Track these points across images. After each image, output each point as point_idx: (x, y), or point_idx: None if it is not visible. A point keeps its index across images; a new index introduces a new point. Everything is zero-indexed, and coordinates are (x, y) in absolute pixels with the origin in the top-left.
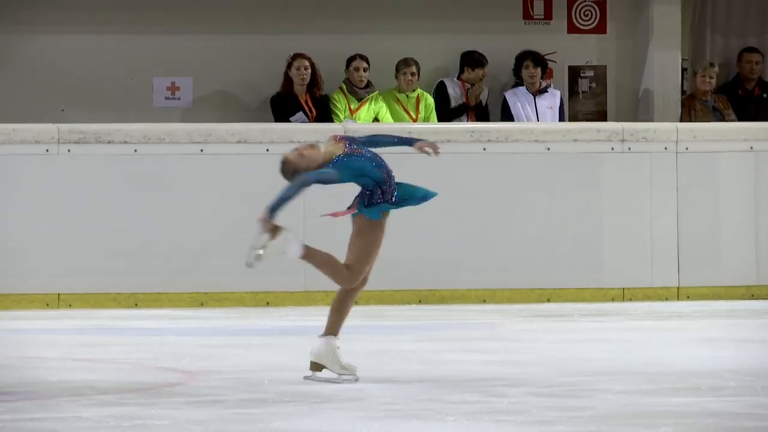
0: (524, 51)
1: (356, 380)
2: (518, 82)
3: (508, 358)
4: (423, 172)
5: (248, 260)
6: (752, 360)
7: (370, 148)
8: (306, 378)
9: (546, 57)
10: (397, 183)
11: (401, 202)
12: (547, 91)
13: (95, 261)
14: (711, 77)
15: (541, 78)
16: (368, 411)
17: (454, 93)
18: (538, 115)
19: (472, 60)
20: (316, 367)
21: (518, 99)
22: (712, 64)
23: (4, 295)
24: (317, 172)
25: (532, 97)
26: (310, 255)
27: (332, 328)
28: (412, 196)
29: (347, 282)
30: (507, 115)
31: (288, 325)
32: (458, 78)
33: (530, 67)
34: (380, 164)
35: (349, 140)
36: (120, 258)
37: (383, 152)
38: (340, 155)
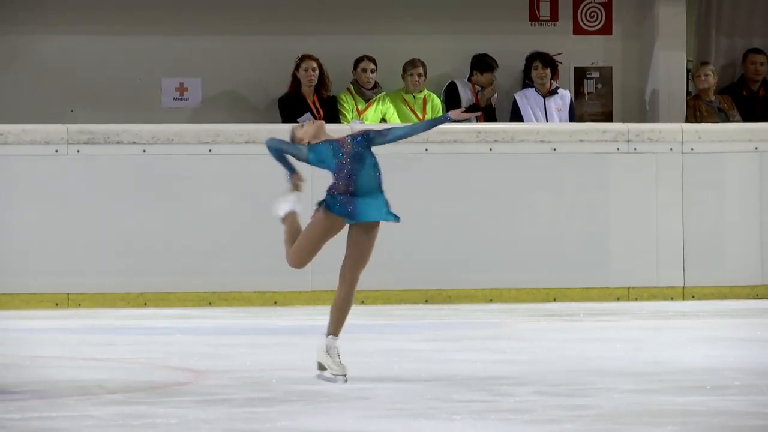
0: (533, 52)
1: (345, 381)
2: (528, 83)
3: (515, 358)
4: (430, 173)
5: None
6: (757, 359)
7: (380, 142)
8: (317, 377)
9: (552, 58)
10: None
11: (354, 215)
12: (557, 93)
13: (104, 261)
14: (706, 74)
15: (552, 79)
16: (375, 410)
17: (465, 95)
18: (547, 116)
19: (482, 64)
20: (321, 366)
21: (528, 101)
22: (705, 63)
23: (14, 295)
24: (292, 145)
25: (542, 98)
26: (288, 223)
27: (331, 328)
28: (369, 213)
29: (288, 261)
30: (516, 117)
31: (295, 325)
32: (469, 80)
33: (539, 68)
34: (340, 161)
35: (363, 133)
36: (129, 258)
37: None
38: (323, 141)
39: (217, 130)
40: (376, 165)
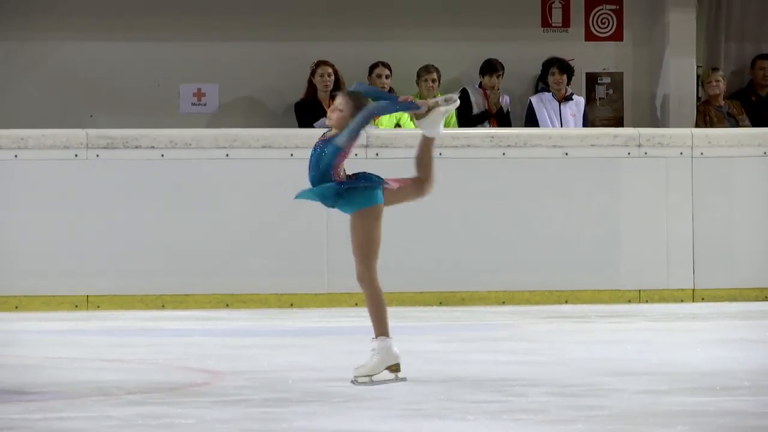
0: (551, 57)
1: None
2: (544, 87)
3: (527, 359)
4: (444, 177)
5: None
6: (766, 360)
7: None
8: (401, 379)
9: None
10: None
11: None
12: (572, 99)
13: (123, 263)
14: (717, 80)
15: (567, 84)
16: (390, 410)
17: (476, 100)
18: (562, 121)
19: (487, 66)
20: (397, 368)
21: (544, 104)
22: (715, 69)
23: (34, 297)
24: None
25: (557, 103)
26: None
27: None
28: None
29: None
30: (531, 119)
31: (312, 327)
32: (479, 86)
33: (556, 74)
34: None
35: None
36: (147, 260)
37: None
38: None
39: (235, 134)
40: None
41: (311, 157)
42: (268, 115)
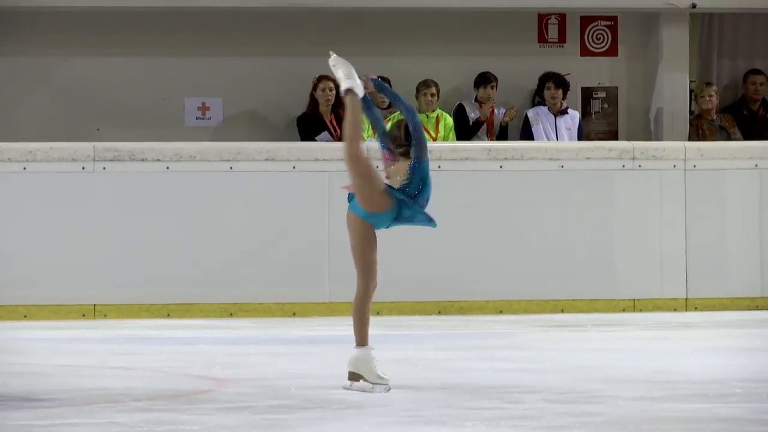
0: (546, 72)
1: (388, 390)
2: (540, 101)
3: (524, 366)
4: (443, 189)
5: (334, 56)
6: (758, 368)
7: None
8: (345, 388)
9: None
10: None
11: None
12: (567, 113)
13: (129, 273)
14: (710, 95)
15: (563, 99)
16: (390, 417)
17: (473, 114)
18: (557, 134)
19: (481, 79)
20: (354, 377)
21: (540, 118)
22: (708, 84)
23: (43, 306)
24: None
25: (553, 117)
26: (351, 104)
27: (362, 339)
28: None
29: (349, 158)
30: (527, 133)
31: (313, 335)
32: (475, 100)
33: (552, 89)
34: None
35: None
36: (153, 270)
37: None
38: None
39: (238, 147)
40: None
41: (416, 182)
42: (271, 129)
